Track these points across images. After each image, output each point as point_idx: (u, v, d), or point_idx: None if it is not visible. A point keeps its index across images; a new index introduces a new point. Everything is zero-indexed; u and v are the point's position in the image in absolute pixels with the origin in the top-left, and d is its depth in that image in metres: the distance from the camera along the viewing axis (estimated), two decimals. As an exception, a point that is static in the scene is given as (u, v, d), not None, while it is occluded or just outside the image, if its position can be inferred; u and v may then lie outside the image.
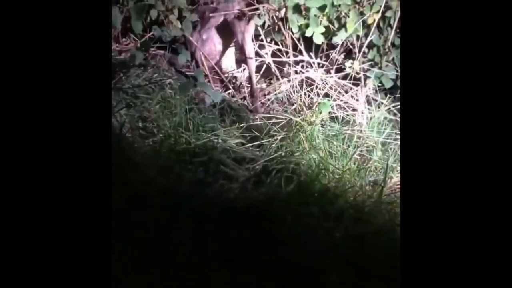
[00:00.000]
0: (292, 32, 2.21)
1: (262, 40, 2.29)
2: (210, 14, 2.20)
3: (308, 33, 2.19)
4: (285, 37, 2.22)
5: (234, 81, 2.33)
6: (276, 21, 2.23)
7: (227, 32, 2.25)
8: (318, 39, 2.20)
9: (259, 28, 2.26)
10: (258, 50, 2.28)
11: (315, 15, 2.16)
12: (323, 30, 2.19)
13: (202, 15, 2.21)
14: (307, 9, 2.18)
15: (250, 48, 2.22)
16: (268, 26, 2.28)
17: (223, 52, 2.33)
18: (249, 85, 2.23)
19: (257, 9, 2.18)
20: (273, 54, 2.29)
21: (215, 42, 2.27)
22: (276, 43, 2.29)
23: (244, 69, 2.32)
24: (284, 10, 2.18)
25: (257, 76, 2.32)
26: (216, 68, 2.30)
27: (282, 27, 2.21)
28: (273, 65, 2.28)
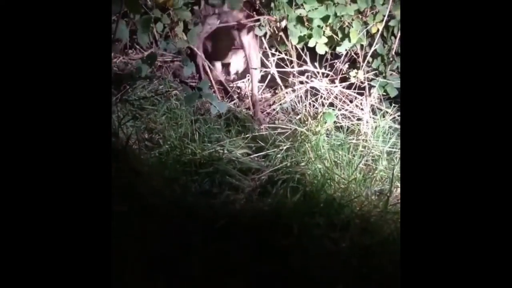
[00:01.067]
0: (293, 43, 2.22)
1: (265, 49, 2.30)
2: (209, 22, 2.20)
3: (311, 44, 2.20)
4: (289, 48, 2.24)
5: (239, 91, 2.35)
6: (277, 32, 2.25)
7: (231, 43, 2.28)
8: (321, 50, 2.21)
9: (262, 39, 2.28)
10: (263, 58, 2.30)
11: (318, 26, 2.17)
12: (326, 40, 2.20)
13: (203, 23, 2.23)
14: (310, 20, 2.20)
15: (254, 58, 2.24)
16: (270, 36, 2.30)
17: (227, 62, 2.35)
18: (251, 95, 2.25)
19: (257, 20, 2.20)
20: (278, 65, 2.31)
21: (219, 52, 2.30)
22: (280, 53, 2.31)
23: (248, 79, 2.34)
24: (285, 21, 2.20)
25: (262, 86, 2.34)
26: (220, 78, 2.33)
27: (284, 38, 2.23)
28: (277, 75, 2.30)
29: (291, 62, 2.27)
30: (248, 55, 2.24)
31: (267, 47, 2.30)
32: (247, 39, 2.24)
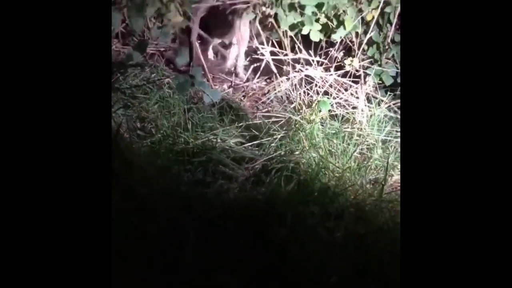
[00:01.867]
0: (285, 31, 2.19)
1: (259, 37, 2.27)
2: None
3: (304, 31, 2.17)
4: (280, 35, 2.20)
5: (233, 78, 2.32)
6: (265, 16, 2.20)
7: (225, 23, 2.24)
8: (315, 37, 2.18)
9: (258, 26, 2.24)
10: (258, 45, 2.27)
11: (312, 12, 2.14)
12: (320, 27, 2.17)
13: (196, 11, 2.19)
14: (302, 7, 2.16)
15: (244, 31, 2.19)
16: (260, 21, 2.26)
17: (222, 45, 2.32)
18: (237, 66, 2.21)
19: (247, 3, 2.15)
20: (272, 53, 2.28)
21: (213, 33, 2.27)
22: (272, 43, 2.28)
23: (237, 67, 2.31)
24: (271, 7, 2.15)
25: (257, 76, 2.31)
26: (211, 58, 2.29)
27: (275, 24, 2.19)
28: (272, 64, 2.27)
29: (285, 51, 2.24)
30: (238, 37, 2.21)
31: (261, 33, 2.26)
32: (240, 21, 2.20)
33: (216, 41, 2.36)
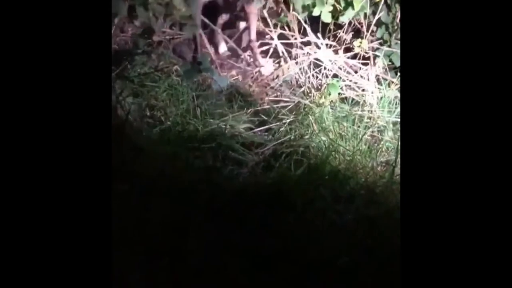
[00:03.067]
0: (297, 13, 2.16)
1: (266, 21, 2.25)
2: None
3: (315, 13, 2.15)
4: (290, 19, 2.18)
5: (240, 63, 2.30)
6: (277, 3, 2.18)
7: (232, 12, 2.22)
8: (326, 18, 2.15)
9: (264, 12, 2.22)
10: (265, 29, 2.25)
11: (321, -6, 2.11)
12: (331, 8, 2.14)
13: None
14: (313, -14, 2.13)
15: (253, 16, 2.17)
16: (270, 8, 2.24)
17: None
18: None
19: None
20: (280, 37, 2.26)
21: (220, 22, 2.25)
22: (282, 27, 2.26)
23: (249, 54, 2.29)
24: None
25: (265, 59, 2.29)
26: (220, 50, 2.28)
27: (285, 9, 2.17)
28: (280, 48, 2.24)
29: (293, 35, 2.22)
30: (249, 25, 2.19)
31: (267, 18, 2.24)
32: (249, 9, 2.18)
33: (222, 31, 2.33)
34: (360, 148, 1.71)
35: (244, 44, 2.33)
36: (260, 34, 2.30)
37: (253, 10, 2.18)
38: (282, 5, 2.18)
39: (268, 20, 2.24)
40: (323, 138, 1.75)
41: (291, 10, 2.16)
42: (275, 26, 2.25)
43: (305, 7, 2.15)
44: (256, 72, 2.23)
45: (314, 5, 2.14)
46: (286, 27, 2.25)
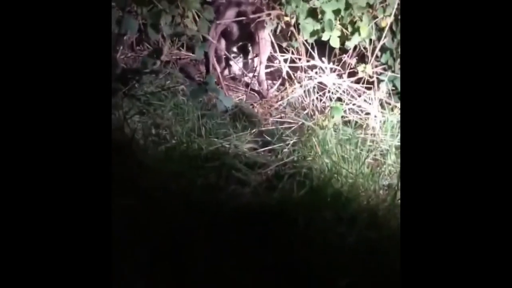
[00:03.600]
0: (305, 39, 2.22)
1: (273, 45, 2.30)
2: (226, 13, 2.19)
3: (324, 37, 2.20)
4: (299, 43, 2.23)
5: (244, 83, 2.35)
6: (286, 27, 2.24)
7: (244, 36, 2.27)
8: (335, 43, 2.20)
9: (270, 35, 2.27)
10: (272, 53, 2.30)
11: (329, 19, 2.16)
12: (339, 33, 2.19)
13: (217, 9, 2.22)
14: (322, 13, 2.19)
15: (265, 42, 2.21)
16: (280, 31, 2.30)
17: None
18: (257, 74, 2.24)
19: (268, 14, 2.20)
20: (286, 60, 2.30)
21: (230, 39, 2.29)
22: (287, 49, 2.31)
23: (255, 76, 2.33)
24: (295, 17, 2.19)
25: (271, 82, 2.34)
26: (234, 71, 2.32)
27: (296, 33, 2.22)
28: (285, 71, 2.29)
29: (300, 58, 2.26)
30: (260, 50, 2.24)
31: (274, 42, 2.29)
32: (260, 34, 2.23)
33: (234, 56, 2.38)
34: (363, 171, 1.72)
35: (251, 66, 2.38)
36: (268, 58, 2.35)
37: (265, 36, 2.23)
38: (292, 28, 2.23)
39: (276, 44, 2.29)
40: (326, 160, 1.77)
41: (300, 34, 2.21)
42: (283, 50, 2.29)
43: (314, 32, 2.21)
44: (260, 94, 2.27)
45: (323, 30, 2.19)
46: (293, 51, 2.30)
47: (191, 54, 2.38)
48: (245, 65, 2.43)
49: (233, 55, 2.40)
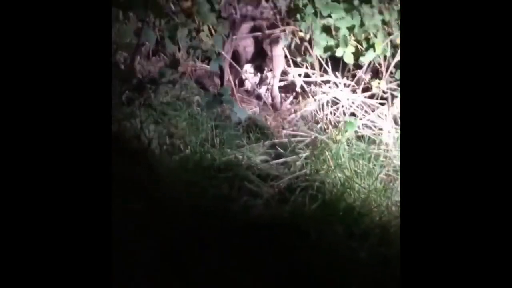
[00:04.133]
0: (319, 55, 2.24)
1: (288, 60, 2.32)
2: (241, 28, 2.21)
3: (338, 53, 2.22)
4: (314, 59, 2.25)
5: (258, 96, 2.36)
6: (301, 42, 2.27)
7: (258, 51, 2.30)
8: (349, 59, 2.22)
9: (285, 49, 2.30)
10: (286, 67, 2.32)
11: (344, 35, 2.19)
12: (353, 49, 2.21)
13: (233, 24, 2.25)
14: (336, 29, 2.21)
15: (279, 58, 2.23)
16: (295, 46, 2.32)
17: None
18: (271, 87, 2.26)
19: (283, 30, 2.23)
20: (300, 74, 2.33)
21: (245, 53, 2.32)
22: (301, 64, 2.33)
23: (268, 89, 2.35)
24: (309, 33, 2.22)
25: (284, 95, 2.36)
26: (247, 85, 2.34)
27: (310, 49, 2.24)
28: (299, 85, 2.31)
29: (314, 73, 2.28)
30: (274, 65, 2.27)
31: (288, 56, 2.31)
32: (275, 48, 2.26)
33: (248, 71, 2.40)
34: (376, 187, 1.72)
35: (265, 79, 2.41)
36: (282, 73, 2.38)
37: (279, 50, 2.26)
38: (306, 44, 2.25)
39: (290, 58, 2.31)
40: (339, 175, 1.77)
41: (314, 50, 2.23)
42: (297, 64, 2.32)
43: (328, 48, 2.23)
44: (274, 106, 2.29)
45: (337, 46, 2.22)
46: (307, 65, 2.32)
47: (206, 66, 2.41)
48: (259, 78, 2.46)
49: (247, 68, 2.43)
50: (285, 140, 1.99)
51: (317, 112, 2.19)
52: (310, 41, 2.25)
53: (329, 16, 2.21)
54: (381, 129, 2.08)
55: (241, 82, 2.42)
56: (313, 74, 2.31)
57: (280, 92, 2.34)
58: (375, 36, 2.21)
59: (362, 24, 2.20)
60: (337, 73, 2.30)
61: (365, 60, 2.24)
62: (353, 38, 2.23)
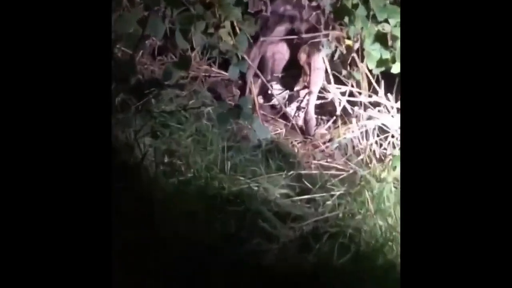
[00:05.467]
0: (369, 69, 2.29)
1: (328, 73, 2.38)
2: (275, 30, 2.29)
3: (394, 70, 2.23)
4: (362, 75, 2.30)
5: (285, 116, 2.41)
6: (347, 53, 2.32)
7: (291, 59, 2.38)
8: None
9: (326, 60, 2.36)
10: (325, 83, 2.38)
11: (403, 47, 2.21)
12: None
13: (265, 24, 2.31)
14: (394, 38, 2.22)
15: (317, 72, 2.31)
16: (339, 57, 2.38)
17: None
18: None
19: (326, 35, 2.29)
20: (342, 93, 2.38)
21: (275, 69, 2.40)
22: (346, 80, 2.37)
23: (300, 108, 2.41)
24: (359, 41, 2.26)
25: (319, 117, 2.41)
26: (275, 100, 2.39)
27: (358, 61, 2.29)
28: (340, 105, 2.36)
29: (360, 93, 2.33)
30: (311, 78, 2.33)
31: (329, 69, 2.37)
32: (314, 58, 2.33)
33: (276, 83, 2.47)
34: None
35: (297, 95, 2.46)
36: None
37: (319, 61, 2.33)
38: (354, 55, 2.31)
39: (331, 72, 2.36)
40: (380, 222, 1.79)
41: (363, 63, 2.28)
42: (340, 80, 2.36)
43: (381, 62, 2.25)
44: (305, 130, 2.33)
45: (393, 60, 2.23)
46: (353, 83, 2.36)
47: (223, 72, 2.47)
48: (290, 94, 2.49)
49: (275, 80, 2.49)
50: (315, 172, 2.03)
51: (359, 141, 2.22)
52: (358, 52, 2.30)
53: (386, 21, 2.22)
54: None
55: (266, 96, 2.48)
56: (359, 93, 2.36)
57: (315, 113, 2.39)
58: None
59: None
60: (389, 94, 2.33)
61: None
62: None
